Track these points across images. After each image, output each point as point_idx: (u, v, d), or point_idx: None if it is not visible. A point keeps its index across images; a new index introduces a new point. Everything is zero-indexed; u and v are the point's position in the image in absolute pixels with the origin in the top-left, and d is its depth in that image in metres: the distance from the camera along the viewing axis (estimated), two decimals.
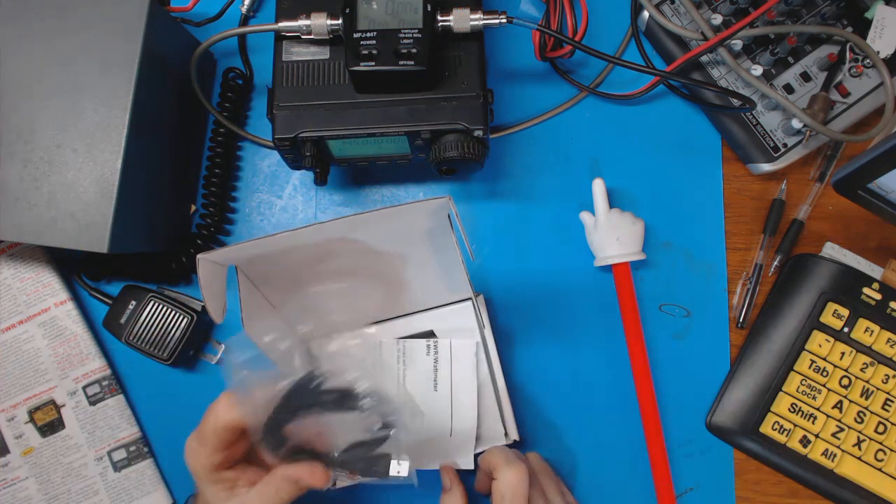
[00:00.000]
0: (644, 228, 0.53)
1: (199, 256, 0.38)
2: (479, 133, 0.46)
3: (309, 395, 0.39)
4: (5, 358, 0.52)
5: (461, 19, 0.46)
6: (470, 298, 0.52)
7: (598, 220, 0.53)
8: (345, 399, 0.39)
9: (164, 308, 0.52)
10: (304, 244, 0.42)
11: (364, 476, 0.40)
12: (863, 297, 0.52)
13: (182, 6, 0.54)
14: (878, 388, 0.51)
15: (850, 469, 0.50)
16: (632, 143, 0.56)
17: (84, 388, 0.53)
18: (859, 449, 0.50)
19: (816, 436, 0.51)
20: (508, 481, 0.43)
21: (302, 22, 0.46)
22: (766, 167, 0.53)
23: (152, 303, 0.52)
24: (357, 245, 0.44)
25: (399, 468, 0.40)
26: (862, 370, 0.51)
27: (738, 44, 0.52)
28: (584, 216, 0.54)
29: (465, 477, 0.49)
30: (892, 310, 0.52)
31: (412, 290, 0.50)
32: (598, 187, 0.53)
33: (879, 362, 0.51)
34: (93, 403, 0.53)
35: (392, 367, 0.51)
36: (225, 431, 0.38)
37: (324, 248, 0.43)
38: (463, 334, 0.52)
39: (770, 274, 0.55)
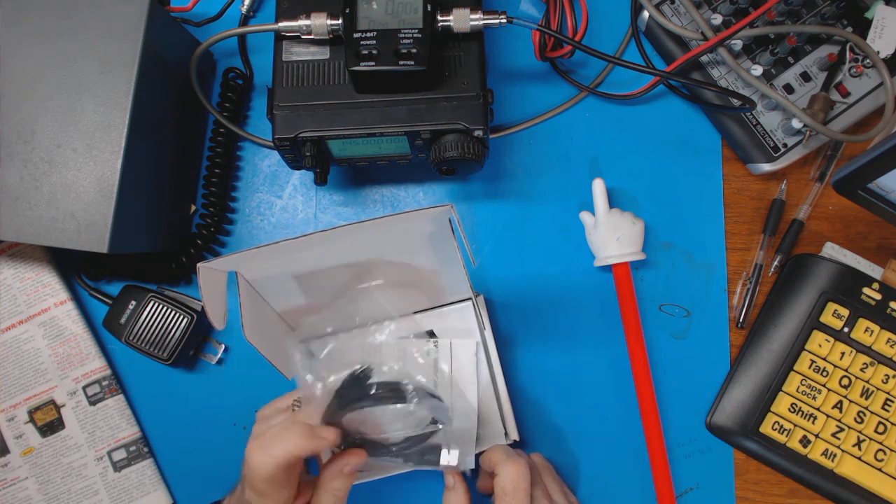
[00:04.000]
0: (644, 228, 0.53)
1: (199, 265, 0.38)
2: (479, 133, 0.46)
3: (359, 388, 0.41)
4: (5, 358, 0.52)
5: (461, 19, 0.46)
6: (470, 298, 0.52)
7: (598, 219, 0.53)
8: (394, 393, 0.41)
9: (164, 308, 0.52)
10: (305, 251, 0.42)
11: (417, 465, 0.43)
12: (863, 297, 0.52)
13: (182, 6, 0.54)
14: (878, 388, 0.51)
15: (850, 469, 0.50)
16: (632, 143, 0.56)
17: (84, 388, 0.53)
18: (859, 449, 0.50)
19: (816, 436, 0.51)
20: (509, 476, 0.43)
21: (302, 22, 0.46)
22: (766, 167, 0.53)
23: (152, 303, 0.52)
24: (359, 250, 0.44)
25: (449, 458, 0.43)
26: (862, 370, 0.51)
27: (738, 44, 0.52)
28: (584, 216, 0.54)
29: (466, 477, 0.49)
30: (892, 310, 0.52)
31: (412, 290, 0.50)
32: (599, 187, 0.53)
33: (879, 362, 0.51)
34: (93, 403, 0.53)
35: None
36: (277, 474, 0.37)
37: (325, 250, 0.43)
38: (463, 334, 0.52)
39: (770, 274, 0.55)
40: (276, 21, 0.47)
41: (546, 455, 0.52)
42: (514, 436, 0.49)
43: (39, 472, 0.52)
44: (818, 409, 0.51)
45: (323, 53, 0.48)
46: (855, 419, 0.51)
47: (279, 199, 0.56)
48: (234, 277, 0.42)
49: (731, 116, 0.54)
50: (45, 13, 0.45)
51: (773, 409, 0.51)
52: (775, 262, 0.55)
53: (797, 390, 0.51)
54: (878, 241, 0.55)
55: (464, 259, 0.44)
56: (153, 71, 0.47)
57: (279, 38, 0.48)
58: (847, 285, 0.52)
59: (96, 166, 0.44)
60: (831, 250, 0.54)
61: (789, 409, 0.51)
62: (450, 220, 0.41)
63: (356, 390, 0.41)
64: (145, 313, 0.52)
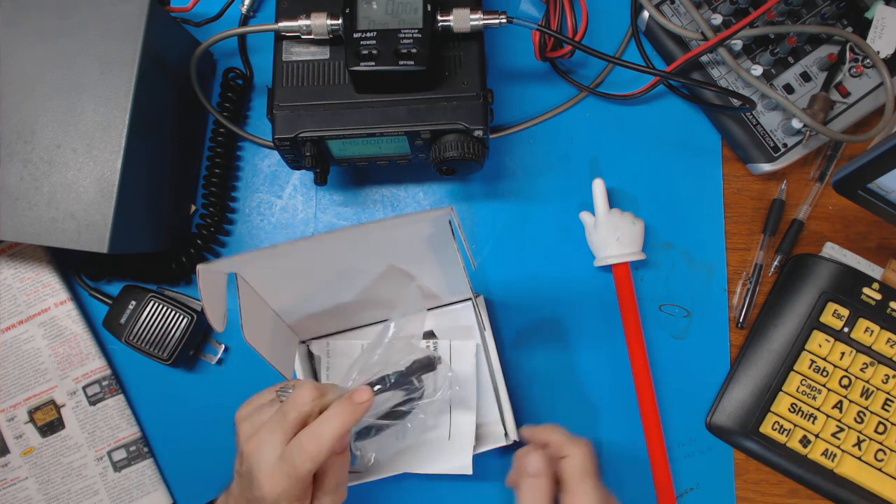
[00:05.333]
0: (644, 228, 0.53)
1: (199, 267, 0.38)
2: (479, 133, 0.46)
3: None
4: (5, 358, 0.52)
5: (461, 19, 0.46)
6: (470, 299, 0.52)
7: (598, 219, 0.53)
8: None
9: (164, 308, 0.52)
10: (306, 253, 0.42)
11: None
12: (863, 297, 0.52)
13: (182, 6, 0.54)
14: (878, 388, 0.51)
15: (850, 469, 0.50)
16: (632, 143, 0.56)
17: (84, 388, 0.53)
18: (859, 449, 0.50)
19: (816, 436, 0.51)
20: (583, 457, 0.41)
21: (302, 22, 0.46)
22: (766, 167, 0.53)
23: (152, 303, 0.52)
24: (359, 252, 0.44)
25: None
26: (862, 370, 0.51)
27: (738, 44, 0.52)
28: (584, 216, 0.54)
29: (463, 480, 0.49)
30: (892, 310, 0.52)
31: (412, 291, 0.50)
32: (598, 187, 0.53)
33: (879, 362, 0.51)
34: (93, 403, 0.53)
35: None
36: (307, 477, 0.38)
37: (326, 252, 0.43)
38: (463, 335, 0.52)
39: (770, 274, 0.55)
40: (276, 21, 0.47)
41: None
42: (514, 437, 0.49)
43: (39, 472, 0.52)
44: (818, 409, 0.51)
45: (323, 53, 0.48)
46: (855, 419, 0.51)
47: (279, 199, 0.56)
48: (234, 278, 0.42)
49: (731, 116, 0.54)
50: (45, 13, 0.45)
51: (773, 409, 0.51)
52: (775, 262, 0.55)
53: (797, 390, 0.51)
54: (878, 241, 0.55)
55: (464, 261, 0.44)
56: (153, 71, 0.47)
57: (279, 38, 0.48)
58: (847, 285, 0.52)
59: (96, 166, 0.44)
60: (831, 250, 0.54)
61: (789, 409, 0.51)
62: (450, 223, 0.41)
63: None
64: (145, 313, 0.52)
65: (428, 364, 0.45)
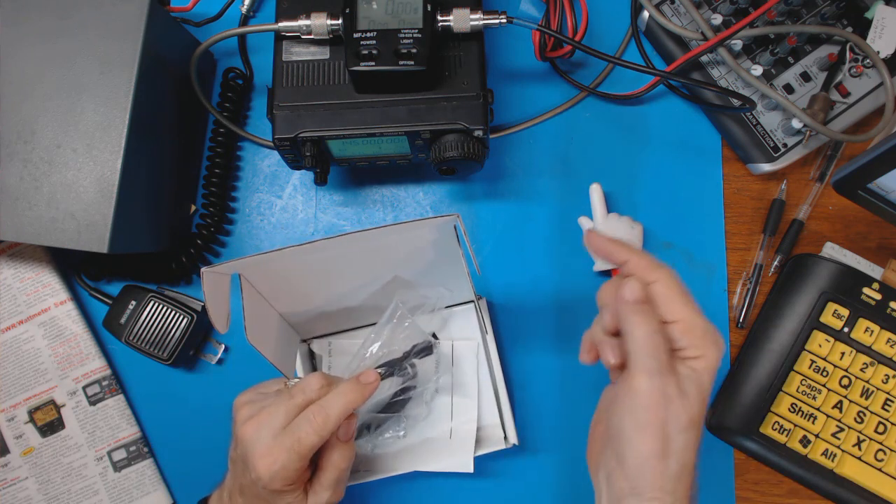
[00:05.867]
0: (643, 232, 0.53)
1: (203, 269, 0.38)
2: (479, 133, 0.46)
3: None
4: (5, 358, 0.52)
5: (461, 19, 0.46)
6: (472, 301, 0.52)
7: (596, 225, 0.52)
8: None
9: (164, 308, 0.52)
10: (309, 256, 0.42)
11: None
12: (863, 297, 0.52)
13: (182, 6, 0.54)
14: (878, 388, 0.51)
15: (850, 469, 0.50)
16: (632, 143, 0.56)
17: (84, 388, 0.53)
18: (859, 449, 0.50)
19: (816, 436, 0.51)
20: (676, 278, 0.36)
21: (302, 22, 0.46)
22: (766, 167, 0.53)
23: (152, 303, 0.52)
24: (363, 255, 0.44)
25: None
26: (862, 370, 0.51)
27: (738, 44, 0.52)
28: (583, 221, 0.54)
29: (461, 479, 0.49)
30: (892, 310, 0.52)
31: (414, 293, 0.50)
32: (596, 192, 0.53)
33: (879, 362, 0.51)
34: (93, 403, 0.53)
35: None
36: (308, 455, 0.38)
37: (331, 256, 0.43)
38: (465, 337, 0.52)
39: (770, 274, 0.55)
40: (276, 21, 0.47)
41: (546, 458, 0.52)
42: (514, 440, 0.49)
43: (39, 472, 0.52)
44: (818, 409, 0.51)
45: (323, 53, 0.48)
46: (855, 419, 0.51)
47: (279, 199, 0.56)
48: (237, 279, 0.42)
49: (731, 116, 0.54)
50: (45, 13, 0.45)
51: (773, 409, 0.51)
52: (775, 262, 0.55)
53: (797, 390, 0.51)
54: (878, 241, 0.55)
55: (468, 267, 0.44)
56: (153, 71, 0.47)
57: (279, 38, 0.48)
58: (847, 285, 0.52)
59: (96, 166, 0.44)
60: (831, 250, 0.54)
61: (789, 409, 0.51)
62: (455, 228, 0.41)
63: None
64: (145, 313, 0.52)
65: (426, 347, 0.47)
